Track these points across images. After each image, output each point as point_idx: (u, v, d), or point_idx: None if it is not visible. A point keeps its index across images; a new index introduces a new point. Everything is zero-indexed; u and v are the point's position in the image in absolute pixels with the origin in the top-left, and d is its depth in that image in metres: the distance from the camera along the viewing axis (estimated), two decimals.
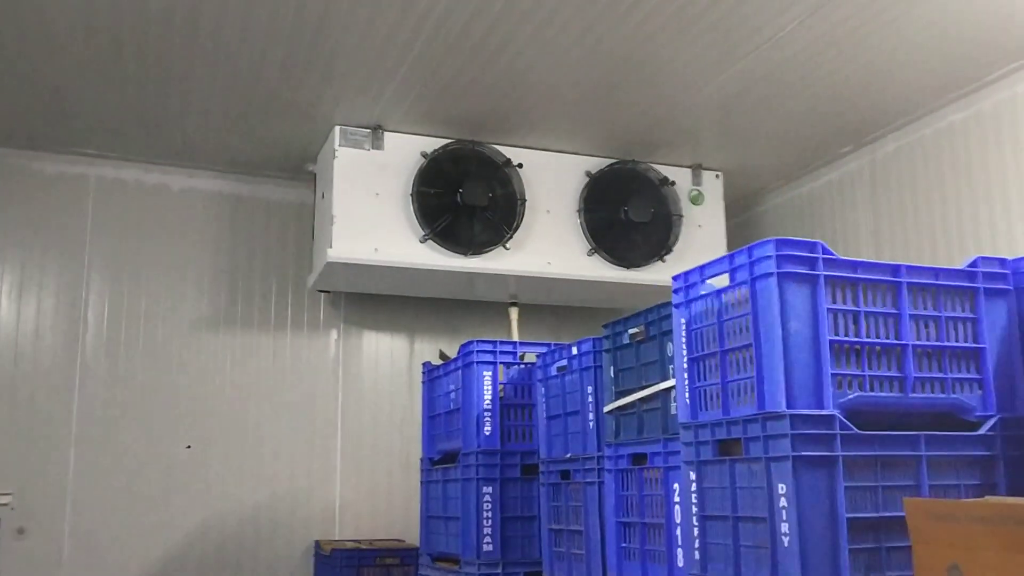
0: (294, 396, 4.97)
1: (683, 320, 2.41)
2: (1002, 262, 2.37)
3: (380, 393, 5.13)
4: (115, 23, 3.50)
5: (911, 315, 2.23)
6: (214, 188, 5.01)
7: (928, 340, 2.25)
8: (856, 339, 2.16)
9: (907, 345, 2.21)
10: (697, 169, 4.93)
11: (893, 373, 2.20)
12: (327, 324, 5.12)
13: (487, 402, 3.63)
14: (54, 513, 4.46)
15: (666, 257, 4.73)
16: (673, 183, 4.84)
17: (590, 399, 3.06)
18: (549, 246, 4.56)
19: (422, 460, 4.19)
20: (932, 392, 2.24)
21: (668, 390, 2.64)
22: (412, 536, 4.62)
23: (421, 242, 4.34)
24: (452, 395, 3.87)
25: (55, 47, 3.68)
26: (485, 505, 3.53)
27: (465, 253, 4.40)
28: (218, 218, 4.99)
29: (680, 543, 2.51)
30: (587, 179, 4.69)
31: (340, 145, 4.33)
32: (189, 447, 4.73)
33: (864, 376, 2.16)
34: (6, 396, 4.48)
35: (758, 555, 2.09)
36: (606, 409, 2.92)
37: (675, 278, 2.46)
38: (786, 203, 5.29)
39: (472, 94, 4.11)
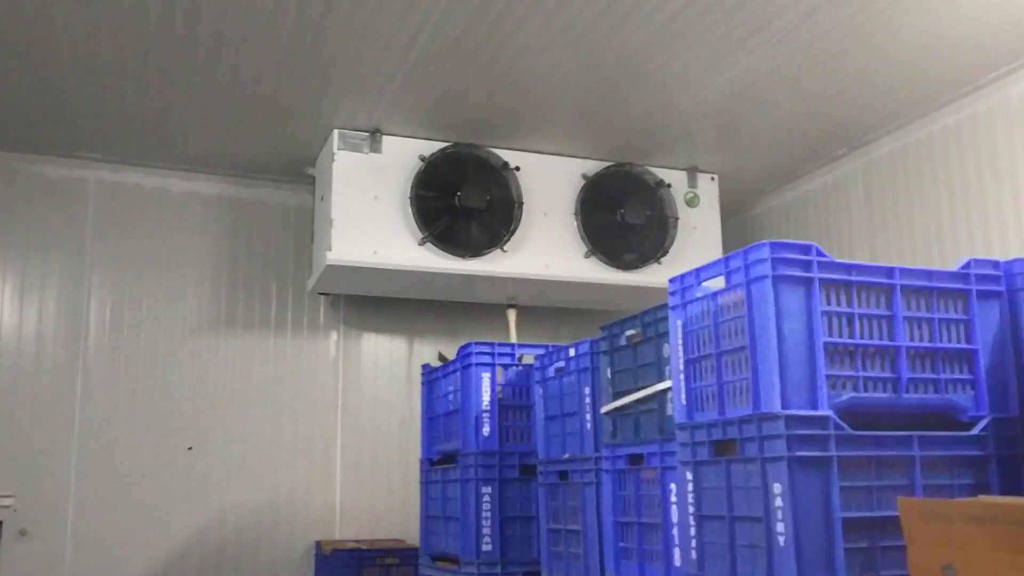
0: (294, 398, 4.99)
1: (679, 322, 2.43)
2: (995, 264, 2.39)
3: (379, 395, 5.15)
4: (116, 28, 3.52)
5: (904, 317, 2.25)
6: (214, 192, 5.03)
7: (921, 341, 2.27)
8: (850, 340, 2.18)
9: (900, 346, 2.23)
10: (692, 172, 4.96)
11: (887, 374, 2.21)
12: (327, 326, 5.14)
13: (486, 403, 3.65)
14: (56, 515, 4.48)
15: (662, 259, 4.75)
16: (669, 186, 4.86)
17: (587, 400, 3.08)
18: (546, 248, 4.58)
19: (421, 461, 4.21)
20: (925, 393, 2.25)
21: (665, 391, 2.65)
22: (412, 536, 4.64)
23: (420, 245, 4.37)
24: (451, 396, 3.88)
25: (56, 52, 3.69)
26: (484, 505, 3.54)
27: (463, 255, 4.42)
28: (218, 221, 5.01)
29: (677, 543, 2.53)
30: (584, 182, 4.72)
31: (339, 149, 4.35)
32: (190, 449, 4.75)
33: (858, 377, 2.17)
34: (8, 398, 4.50)
35: (754, 554, 2.11)
36: (603, 410, 2.94)
37: (671, 281, 2.48)
38: (781, 205, 5.32)
39: (470, 98, 4.13)
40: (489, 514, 3.54)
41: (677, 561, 2.53)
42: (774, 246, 2.13)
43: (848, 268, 2.21)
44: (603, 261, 4.66)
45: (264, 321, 5.01)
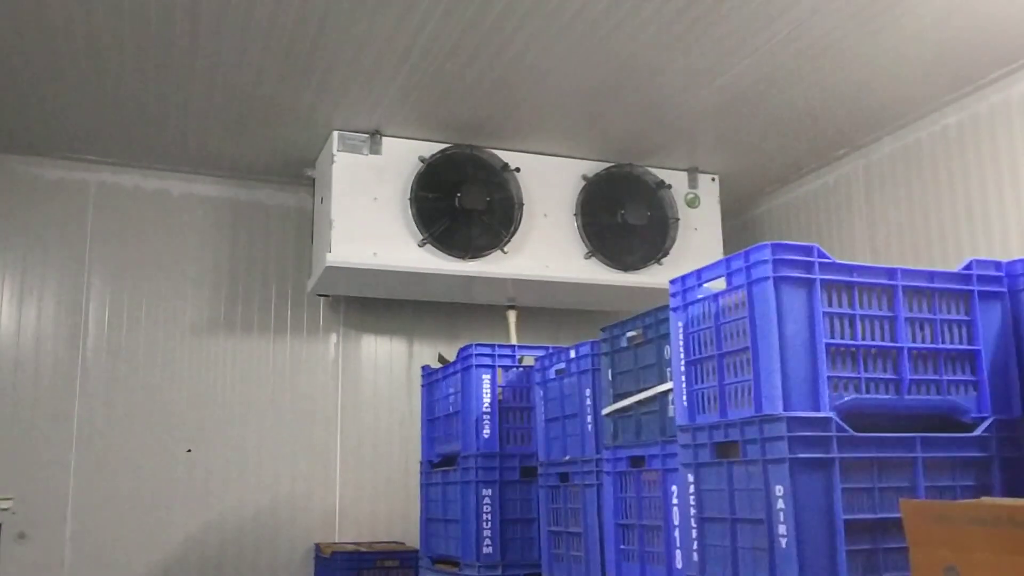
0: (294, 400, 4.98)
1: (680, 323, 2.42)
2: (996, 265, 2.39)
3: (379, 396, 5.15)
4: (115, 30, 3.51)
5: (906, 318, 2.24)
6: (213, 193, 5.02)
7: (923, 342, 2.26)
8: (852, 342, 2.17)
9: (902, 348, 2.22)
10: (693, 172, 4.95)
11: (889, 375, 2.21)
12: (326, 328, 5.13)
13: (486, 405, 3.64)
14: (55, 518, 4.47)
15: (663, 260, 4.75)
16: (669, 186, 4.86)
17: (588, 402, 3.07)
18: (547, 249, 4.58)
19: (421, 463, 4.20)
20: (927, 394, 2.25)
21: (666, 393, 2.65)
22: (412, 539, 4.63)
23: (420, 246, 4.36)
24: (451, 398, 3.88)
25: (56, 54, 3.69)
26: (484, 508, 3.54)
27: (463, 257, 4.41)
28: (217, 223, 5.00)
29: (678, 545, 2.52)
30: (584, 183, 4.71)
31: (339, 150, 4.35)
32: (189, 451, 4.74)
33: (860, 378, 2.17)
34: (7, 401, 4.50)
35: (756, 557, 2.10)
36: (604, 412, 2.93)
37: (672, 282, 2.47)
38: (782, 205, 5.31)
39: (470, 99, 4.12)
40: (490, 516, 3.54)
41: (678, 563, 2.52)
42: (775, 247, 2.13)
43: (850, 269, 2.21)
44: (603, 262, 4.66)
45: (263, 323, 5.01)
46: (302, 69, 3.83)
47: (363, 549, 4.48)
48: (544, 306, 5.23)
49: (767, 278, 2.12)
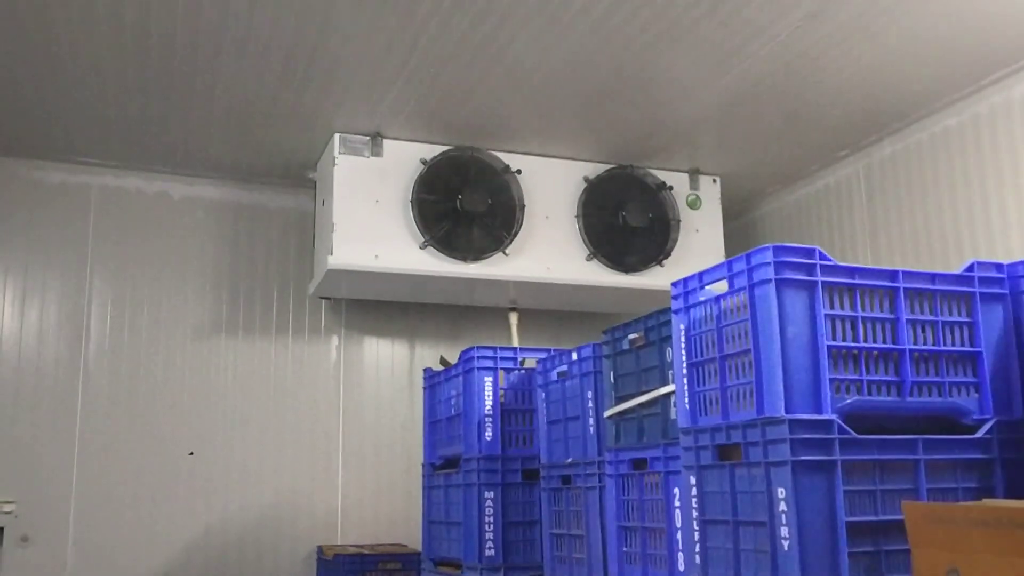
0: (296, 402, 4.98)
1: (682, 326, 2.43)
2: (998, 266, 2.39)
3: (381, 399, 5.15)
4: (117, 33, 3.52)
5: (908, 320, 2.25)
6: (215, 196, 5.02)
7: (925, 344, 2.26)
8: (854, 344, 2.17)
9: (904, 349, 2.22)
10: (694, 174, 4.95)
11: (891, 377, 2.21)
12: (328, 330, 5.13)
13: (488, 407, 3.64)
14: (58, 521, 4.47)
15: (664, 262, 4.75)
16: (671, 188, 4.86)
17: (590, 404, 3.07)
18: (548, 251, 4.58)
19: (424, 465, 4.20)
20: (929, 396, 2.25)
21: (668, 395, 2.65)
22: (414, 541, 4.64)
23: (421, 248, 4.36)
24: (453, 401, 3.88)
25: (57, 57, 3.69)
26: (487, 510, 3.54)
27: (465, 259, 4.41)
28: (219, 226, 5.01)
29: (681, 547, 2.52)
30: (585, 184, 4.71)
31: (340, 152, 4.35)
32: (192, 454, 4.74)
33: (862, 381, 2.17)
34: (9, 404, 4.50)
35: (758, 559, 2.10)
36: (606, 414, 2.94)
37: (674, 284, 2.48)
38: (783, 207, 5.31)
39: (471, 101, 4.13)
40: (492, 519, 3.54)
41: (681, 566, 2.52)
42: (777, 249, 2.13)
43: (851, 271, 2.21)
44: (605, 264, 4.66)
45: (265, 326, 5.01)
46: (303, 72, 3.84)
47: (365, 551, 4.48)
48: (546, 308, 5.23)
49: (769, 280, 2.12)
